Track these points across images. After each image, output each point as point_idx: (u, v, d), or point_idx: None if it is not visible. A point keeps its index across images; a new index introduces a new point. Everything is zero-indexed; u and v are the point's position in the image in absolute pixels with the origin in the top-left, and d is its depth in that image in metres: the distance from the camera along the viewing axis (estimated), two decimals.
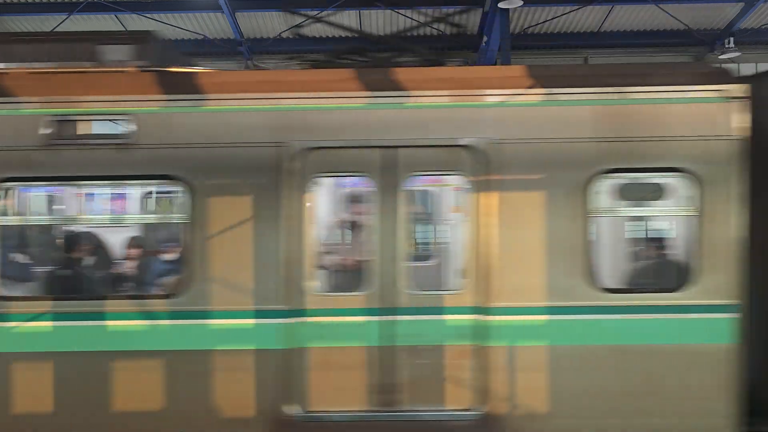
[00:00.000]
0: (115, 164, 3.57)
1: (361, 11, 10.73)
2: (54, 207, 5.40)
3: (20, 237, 4.58)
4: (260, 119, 3.59)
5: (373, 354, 3.57)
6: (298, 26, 10.85)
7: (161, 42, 4.00)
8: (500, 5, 9.02)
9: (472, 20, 11.02)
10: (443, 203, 5.72)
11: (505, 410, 3.56)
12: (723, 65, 4.06)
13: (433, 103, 3.63)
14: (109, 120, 3.63)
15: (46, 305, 3.60)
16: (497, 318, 3.57)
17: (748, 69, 11.39)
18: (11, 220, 3.86)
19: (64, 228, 4.59)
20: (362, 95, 3.65)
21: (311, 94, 3.62)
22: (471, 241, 3.59)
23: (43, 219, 5.40)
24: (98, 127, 3.69)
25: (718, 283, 3.54)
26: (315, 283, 3.61)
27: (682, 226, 4.02)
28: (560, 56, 11.82)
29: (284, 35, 11.25)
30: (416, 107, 3.63)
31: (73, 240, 4.35)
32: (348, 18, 10.97)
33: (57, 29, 10.99)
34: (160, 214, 4.54)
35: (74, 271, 4.14)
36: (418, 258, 5.01)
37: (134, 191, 5.50)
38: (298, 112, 3.61)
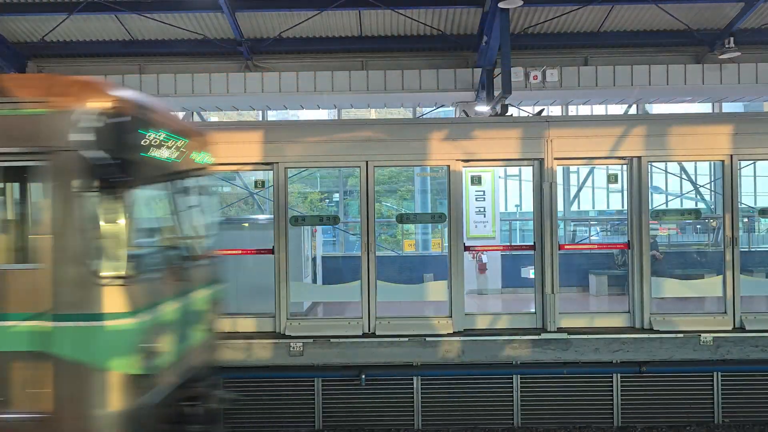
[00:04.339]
0: None
1: (360, 11, 10.72)
2: None
3: None
4: None
5: None
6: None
7: None
8: (500, 5, 9.00)
9: (472, 20, 11.02)
10: None
11: None
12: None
13: None
14: None
15: None
16: None
17: (748, 69, 11.39)
18: None
19: None
20: None
21: None
22: None
23: None
24: None
25: None
26: None
27: None
28: (560, 56, 11.81)
29: (284, 35, 11.24)
30: None
31: None
32: (348, 18, 10.98)
33: (57, 29, 10.99)
34: None
35: None
36: None
37: None
38: None
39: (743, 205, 11.87)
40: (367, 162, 7.46)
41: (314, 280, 9.97)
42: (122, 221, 3.60)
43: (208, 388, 4.55)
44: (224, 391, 4.85)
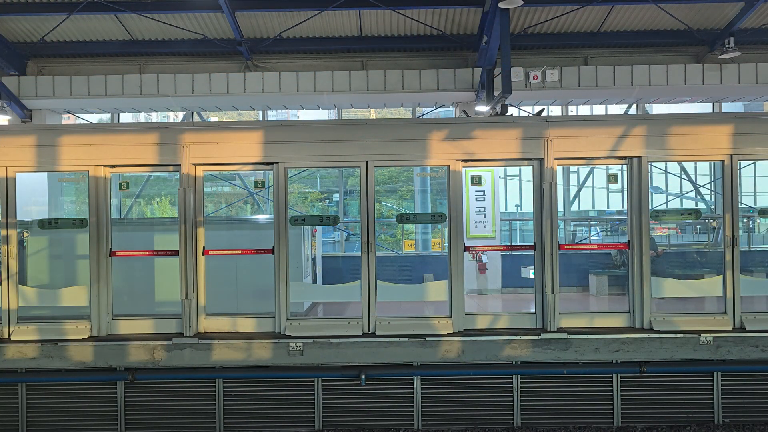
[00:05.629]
0: None
1: (360, 11, 10.72)
2: None
3: None
4: None
5: None
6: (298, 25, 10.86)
7: None
8: (500, 5, 9.00)
9: (472, 20, 11.02)
10: None
11: None
12: None
13: None
14: None
15: None
16: None
17: (748, 69, 11.39)
18: None
19: None
20: None
21: None
22: None
23: None
24: None
25: None
26: None
27: None
28: (560, 56, 11.82)
29: (284, 35, 11.24)
30: None
31: None
32: (348, 18, 10.98)
33: (57, 29, 10.99)
34: None
35: None
36: None
37: None
38: None
39: (743, 205, 11.87)
40: (367, 162, 7.46)
41: (314, 280, 9.97)
42: None
43: None
44: None
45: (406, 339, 7.19)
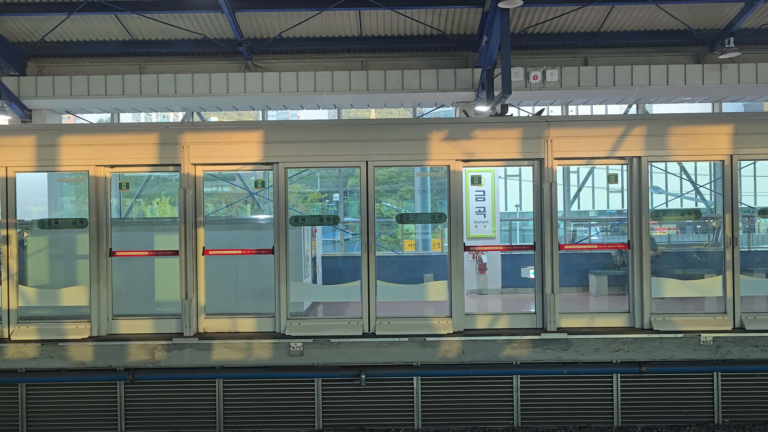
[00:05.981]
0: None
1: (360, 11, 10.72)
2: None
3: None
4: None
5: None
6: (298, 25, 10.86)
7: None
8: (500, 5, 9.00)
9: (472, 20, 11.02)
10: None
11: None
12: None
13: None
14: None
15: None
16: None
17: (748, 69, 11.39)
18: None
19: None
20: None
21: None
22: None
23: None
24: None
25: None
26: None
27: None
28: (560, 56, 11.82)
29: (284, 35, 11.25)
30: None
31: None
32: (348, 18, 10.98)
33: (57, 29, 11.00)
34: None
35: None
36: None
37: None
38: None
39: (743, 205, 11.87)
40: (367, 162, 7.46)
41: (314, 281, 9.97)
42: None
43: None
44: None
45: (406, 339, 7.19)
